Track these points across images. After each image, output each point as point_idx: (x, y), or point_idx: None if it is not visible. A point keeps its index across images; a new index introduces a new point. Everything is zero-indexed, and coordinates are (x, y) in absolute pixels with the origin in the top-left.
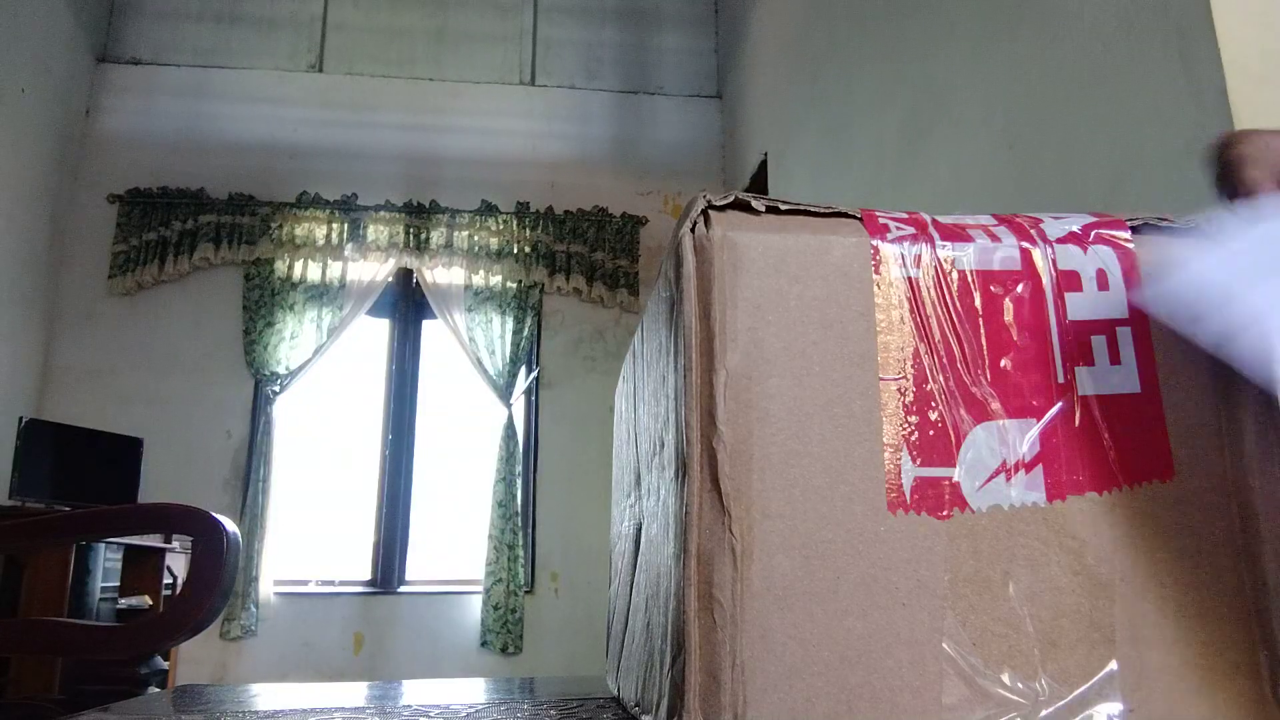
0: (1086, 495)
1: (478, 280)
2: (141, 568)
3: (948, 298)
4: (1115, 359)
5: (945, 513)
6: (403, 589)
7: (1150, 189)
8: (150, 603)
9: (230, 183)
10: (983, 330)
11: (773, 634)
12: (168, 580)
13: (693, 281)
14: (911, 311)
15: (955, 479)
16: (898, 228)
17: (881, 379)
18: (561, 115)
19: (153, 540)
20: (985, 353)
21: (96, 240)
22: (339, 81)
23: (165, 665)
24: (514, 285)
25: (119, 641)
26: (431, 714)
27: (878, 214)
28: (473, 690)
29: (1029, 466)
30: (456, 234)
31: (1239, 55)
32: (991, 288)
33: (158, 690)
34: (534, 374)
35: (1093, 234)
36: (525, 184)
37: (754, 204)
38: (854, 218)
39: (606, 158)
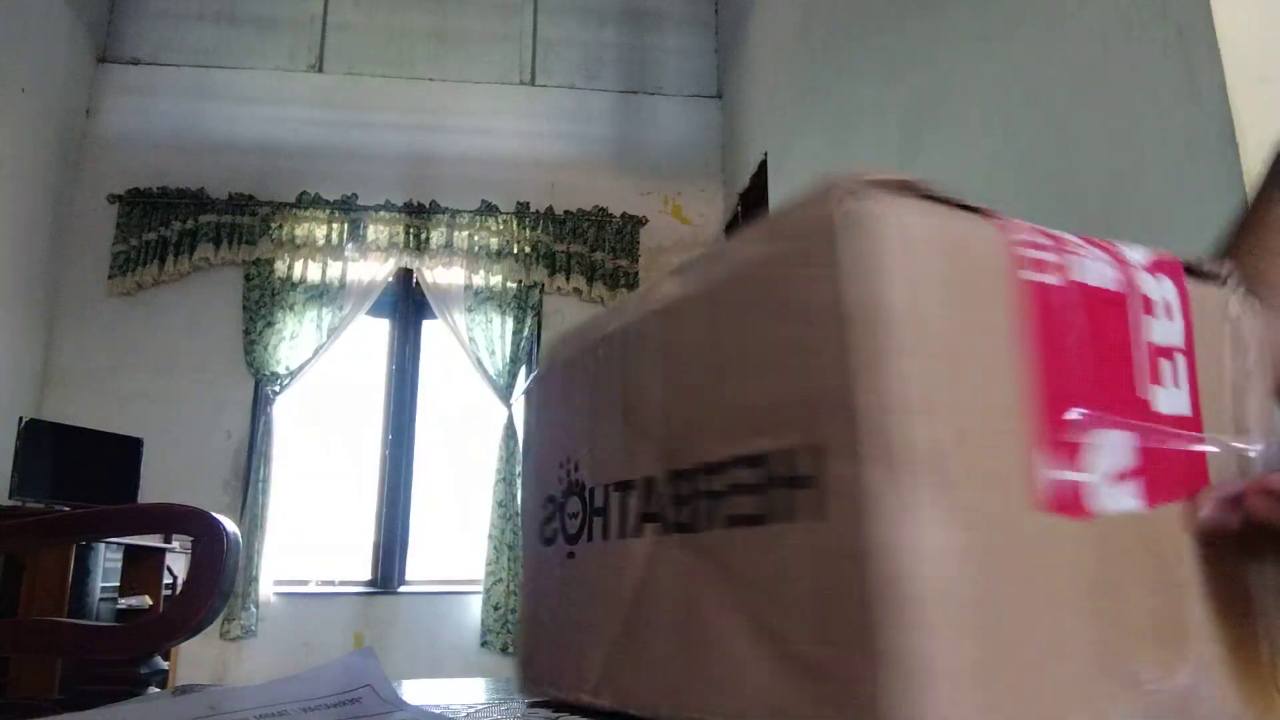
0: (1170, 505)
1: (478, 280)
2: (141, 568)
3: (1069, 307)
4: (1176, 383)
5: (1080, 514)
6: (403, 589)
7: (1150, 189)
8: (150, 603)
9: (230, 183)
10: (1097, 342)
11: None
12: (168, 580)
13: (850, 258)
14: (1039, 314)
15: (1085, 482)
16: (1015, 229)
17: (1021, 377)
18: (561, 115)
19: (153, 540)
20: (1098, 364)
21: (96, 240)
22: (339, 81)
23: (165, 665)
24: (514, 285)
25: (119, 641)
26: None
27: (998, 214)
28: (473, 690)
29: (1134, 475)
30: (456, 234)
31: (1239, 55)
32: (1101, 303)
33: (158, 690)
34: (534, 374)
35: (1157, 266)
36: (525, 184)
37: (901, 182)
38: (982, 212)
39: (606, 158)
